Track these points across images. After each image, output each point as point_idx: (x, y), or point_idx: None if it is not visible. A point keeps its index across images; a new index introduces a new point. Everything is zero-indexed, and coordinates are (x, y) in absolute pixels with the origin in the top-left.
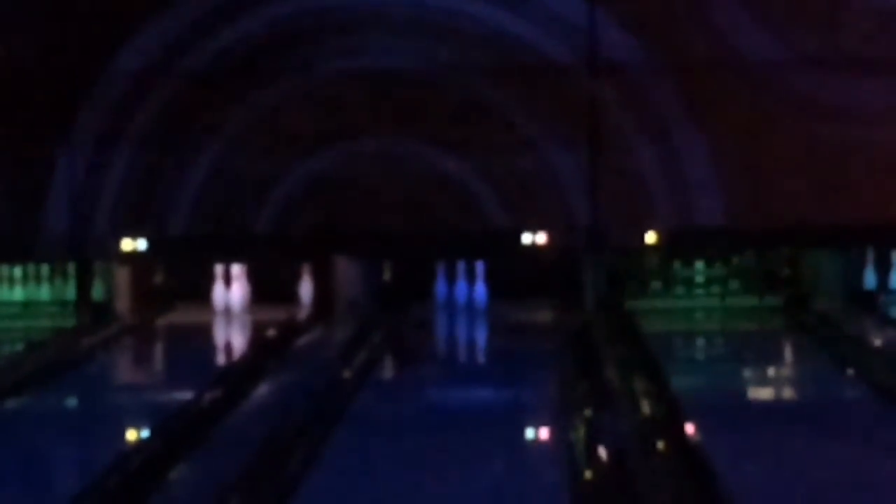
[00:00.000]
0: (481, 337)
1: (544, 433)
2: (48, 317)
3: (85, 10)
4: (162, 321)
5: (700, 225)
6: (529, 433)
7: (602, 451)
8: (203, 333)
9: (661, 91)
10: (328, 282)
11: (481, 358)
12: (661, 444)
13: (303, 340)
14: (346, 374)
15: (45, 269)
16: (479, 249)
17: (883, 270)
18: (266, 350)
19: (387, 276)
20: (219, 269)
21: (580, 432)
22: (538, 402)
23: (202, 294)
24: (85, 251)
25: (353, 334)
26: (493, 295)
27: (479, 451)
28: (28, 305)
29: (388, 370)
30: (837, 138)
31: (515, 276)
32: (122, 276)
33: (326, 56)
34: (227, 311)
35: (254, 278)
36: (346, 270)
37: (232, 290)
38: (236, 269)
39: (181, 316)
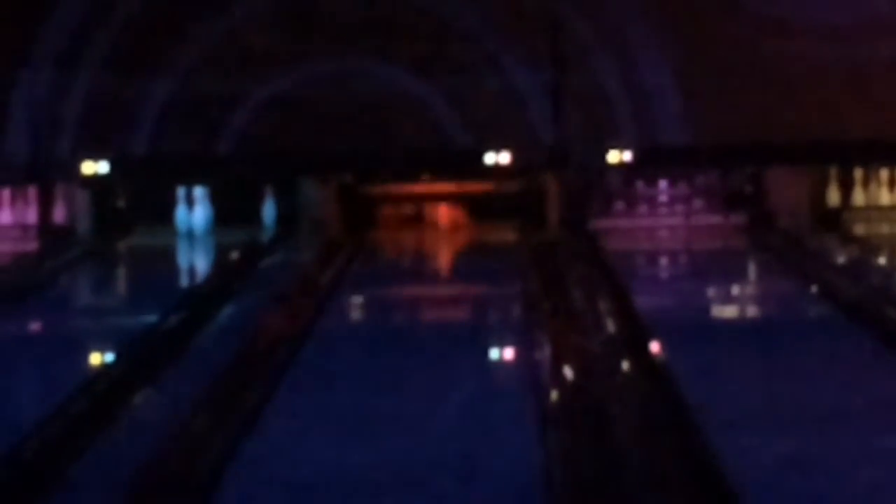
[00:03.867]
0: (445, 256)
1: (509, 353)
2: (10, 241)
3: None
4: (124, 244)
5: (663, 144)
6: (494, 354)
7: (567, 371)
8: (166, 256)
9: (625, 8)
10: (291, 203)
11: (445, 277)
12: (625, 363)
13: (266, 262)
14: (312, 294)
15: (6, 192)
16: (443, 169)
17: (846, 188)
18: (230, 272)
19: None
20: (181, 191)
21: (545, 352)
22: (503, 322)
23: (164, 216)
24: (46, 174)
25: (317, 255)
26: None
27: (445, 372)
28: None
29: (353, 290)
30: (800, 55)
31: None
32: (84, 198)
33: None
34: (190, 233)
35: (217, 200)
36: (308, 191)
37: (195, 212)
38: (199, 191)
39: (144, 239)
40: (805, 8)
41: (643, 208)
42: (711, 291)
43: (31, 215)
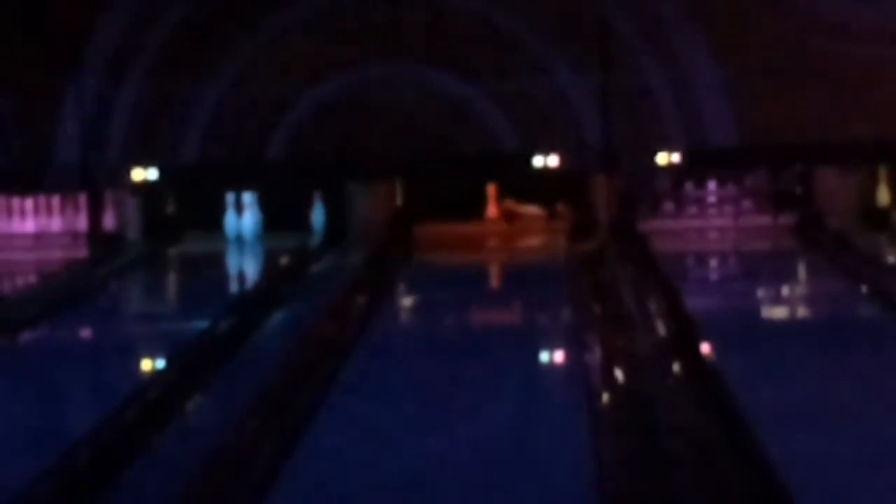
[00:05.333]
0: (494, 259)
1: (560, 356)
2: (60, 248)
3: None
4: (174, 250)
5: (712, 145)
6: (545, 357)
7: (618, 374)
8: (216, 262)
9: (673, 10)
10: (340, 208)
11: (495, 281)
12: (676, 366)
13: (316, 267)
14: (361, 300)
15: (56, 200)
16: (491, 172)
17: None
18: (279, 278)
19: (398, 200)
20: (230, 197)
21: (596, 355)
22: (553, 325)
23: (214, 223)
24: (96, 181)
25: (366, 260)
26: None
27: (496, 376)
28: (40, 237)
29: (402, 295)
30: (849, 54)
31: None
32: (133, 205)
33: None
34: (240, 239)
35: (266, 206)
36: (358, 196)
37: (244, 218)
38: (248, 197)
39: (193, 245)
40: (854, 7)
41: (692, 209)
42: (761, 292)
43: (81, 222)
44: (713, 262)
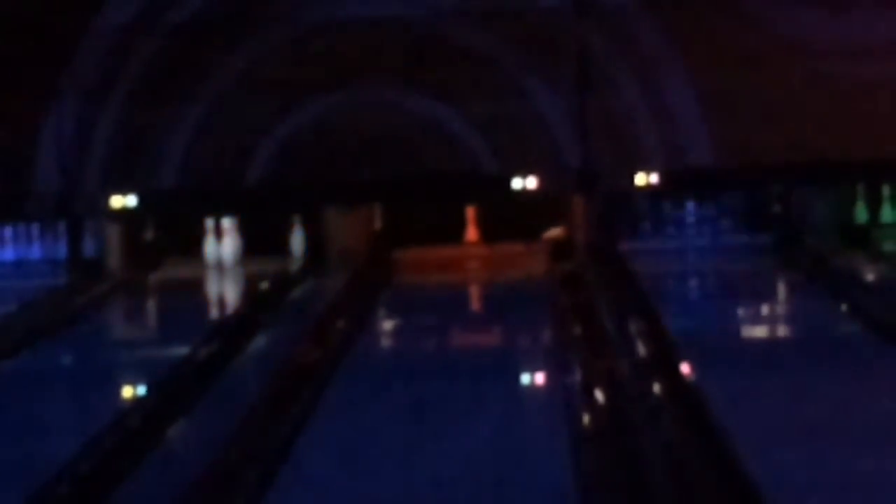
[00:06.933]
0: (473, 282)
1: (540, 378)
2: (40, 276)
3: None
4: (154, 277)
5: (690, 165)
6: (525, 379)
7: (598, 395)
8: (196, 288)
9: (650, 30)
10: (320, 232)
11: (474, 303)
12: (656, 386)
13: (296, 292)
14: (341, 324)
15: (35, 228)
16: (470, 195)
17: (874, 205)
18: (260, 303)
19: (376, 224)
20: (209, 222)
21: (576, 376)
22: (533, 347)
23: (194, 249)
24: (75, 209)
25: (346, 284)
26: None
27: (476, 398)
28: (19, 265)
29: (382, 319)
30: (824, 74)
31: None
32: (113, 232)
33: (312, 5)
34: (220, 264)
35: (245, 231)
36: (337, 220)
37: (223, 243)
38: (227, 223)
39: (173, 271)
40: (831, 27)
41: (670, 230)
42: (740, 312)
43: (61, 250)
44: (692, 282)
